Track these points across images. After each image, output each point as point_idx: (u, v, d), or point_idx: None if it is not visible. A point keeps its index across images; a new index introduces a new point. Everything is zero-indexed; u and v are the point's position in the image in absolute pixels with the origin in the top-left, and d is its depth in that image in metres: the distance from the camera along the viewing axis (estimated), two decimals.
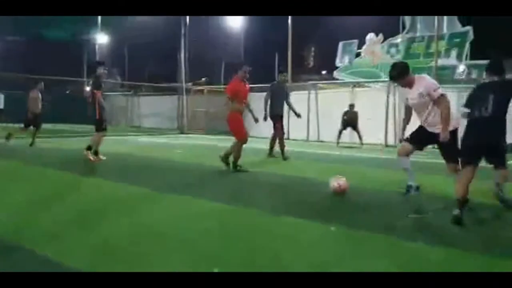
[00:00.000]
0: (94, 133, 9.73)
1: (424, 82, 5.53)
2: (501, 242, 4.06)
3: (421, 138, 5.74)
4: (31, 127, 12.59)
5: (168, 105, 25.71)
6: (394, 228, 4.38)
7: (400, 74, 5.66)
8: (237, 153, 8.24)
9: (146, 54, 36.72)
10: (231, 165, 8.29)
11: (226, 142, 16.33)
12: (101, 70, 9.96)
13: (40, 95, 12.63)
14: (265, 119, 10.46)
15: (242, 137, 8.29)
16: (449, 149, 5.45)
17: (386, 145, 15.02)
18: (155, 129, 24.06)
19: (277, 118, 10.68)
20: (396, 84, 16.14)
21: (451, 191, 4.98)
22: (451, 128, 5.33)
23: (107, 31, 26.21)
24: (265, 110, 10.59)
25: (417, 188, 5.91)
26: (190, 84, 25.04)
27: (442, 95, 5.29)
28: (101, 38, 24.06)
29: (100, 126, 9.54)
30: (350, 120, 14.84)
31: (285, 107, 11.10)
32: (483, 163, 4.89)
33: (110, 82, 36.08)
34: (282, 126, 10.76)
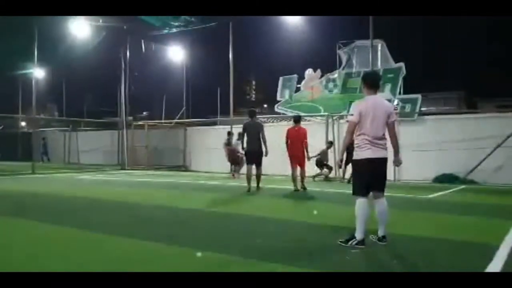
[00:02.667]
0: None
1: (355, 103, 5.52)
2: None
3: None
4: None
5: (108, 141, 25.11)
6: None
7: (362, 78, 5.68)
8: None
9: (85, 88, 35.91)
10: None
11: (165, 178, 16.13)
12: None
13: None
14: None
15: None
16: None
17: (326, 177, 15.29)
18: (94, 166, 23.37)
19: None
20: (335, 117, 16.82)
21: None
22: (356, 157, 5.23)
23: (44, 65, 25.42)
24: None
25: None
26: (130, 118, 24.63)
27: (348, 121, 5.38)
28: (38, 73, 23.25)
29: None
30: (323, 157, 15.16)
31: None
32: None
33: (46, 118, 35.02)
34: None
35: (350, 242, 5.08)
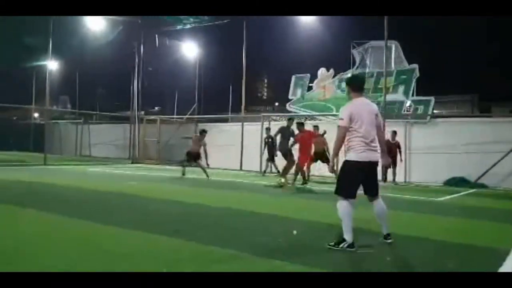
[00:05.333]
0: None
1: (342, 108, 5.35)
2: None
3: None
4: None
5: (120, 134, 25.27)
6: None
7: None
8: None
9: (99, 81, 36.14)
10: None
11: (177, 172, 16.20)
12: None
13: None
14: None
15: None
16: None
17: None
18: (106, 159, 23.54)
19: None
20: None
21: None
22: (351, 158, 5.13)
23: (58, 57, 25.66)
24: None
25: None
26: (142, 113, 24.76)
27: (338, 126, 5.30)
28: (52, 65, 23.43)
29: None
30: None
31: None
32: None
33: (59, 110, 35.32)
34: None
35: (341, 245, 4.98)
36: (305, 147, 12.70)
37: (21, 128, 32.34)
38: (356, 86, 5.40)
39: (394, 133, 14.18)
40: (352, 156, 5.11)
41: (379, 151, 5.26)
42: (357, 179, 5.13)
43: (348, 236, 4.99)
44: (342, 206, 5.06)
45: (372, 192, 5.25)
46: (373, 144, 5.13)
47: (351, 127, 5.10)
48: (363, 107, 5.21)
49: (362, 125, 5.08)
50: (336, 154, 5.47)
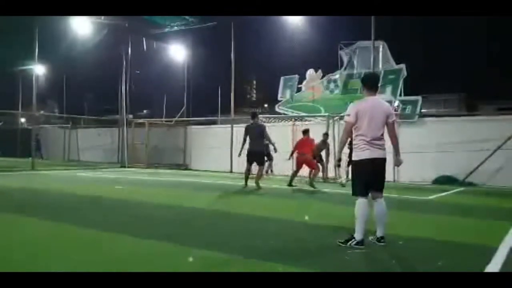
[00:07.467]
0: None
1: (352, 104, 5.52)
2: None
3: None
4: None
5: (108, 139, 25.10)
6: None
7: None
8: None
9: (86, 85, 35.94)
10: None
11: (166, 176, 16.14)
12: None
13: None
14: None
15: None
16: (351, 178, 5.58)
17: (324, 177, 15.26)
18: (94, 163, 23.37)
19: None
20: (336, 118, 16.80)
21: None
22: (355, 158, 5.27)
23: (45, 62, 25.44)
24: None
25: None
26: (131, 116, 24.60)
27: (345, 121, 5.42)
28: (38, 69, 23.21)
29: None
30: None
31: None
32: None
33: (46, 115, 35.01)
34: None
35: (349, 243, 5.10)
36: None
37: (8, 133, 31.97)
38: (369, 84, 5.44)
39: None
40: (356, 155, 5.26)
41: (383, 148, 5.23)
42: (362, 176, 5.22)
43: (357, 234, 5.12)
44: (357, 205, 5.20)
45: (375, 189, 5.25)
46: (377, 142, 5.16)
47: (356, 125, 5.20)
48: (373, 106, 5.25)
49: (367, 124, 5.14)
50: (341, 148, 5.58)
